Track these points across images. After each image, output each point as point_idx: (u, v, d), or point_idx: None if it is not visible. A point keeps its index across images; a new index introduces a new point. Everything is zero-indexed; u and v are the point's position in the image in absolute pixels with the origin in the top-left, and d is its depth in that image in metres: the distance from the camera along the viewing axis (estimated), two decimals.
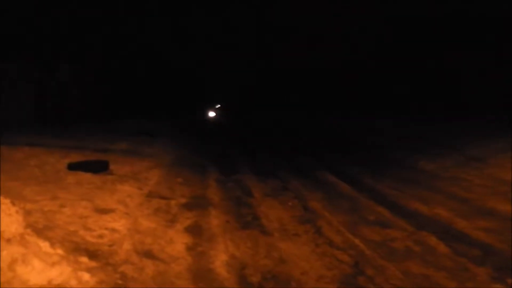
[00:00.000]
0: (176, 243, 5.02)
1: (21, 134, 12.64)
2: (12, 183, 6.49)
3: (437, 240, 5.21)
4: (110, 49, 23.02)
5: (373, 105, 25.11)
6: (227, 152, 14.86)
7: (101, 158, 9.28)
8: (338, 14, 25.68)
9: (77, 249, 4.13)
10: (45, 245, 3.60)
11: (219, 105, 52.50)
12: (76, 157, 9.22)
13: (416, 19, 20.31)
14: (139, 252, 4.48)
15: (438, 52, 19.99)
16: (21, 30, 17.12)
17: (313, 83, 32.82)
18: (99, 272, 3.70)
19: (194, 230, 5.57)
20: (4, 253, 3.17)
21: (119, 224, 5.16)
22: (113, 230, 4.92)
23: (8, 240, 3.31)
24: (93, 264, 3.84)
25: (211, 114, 50.06)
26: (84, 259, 3.84)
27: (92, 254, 4.09)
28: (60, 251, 3.66)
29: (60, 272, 3.32)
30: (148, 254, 4.49)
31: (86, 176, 7.51)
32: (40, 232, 4.14)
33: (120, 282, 3.72)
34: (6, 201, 3.61)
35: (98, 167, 8.19)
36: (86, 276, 3.47)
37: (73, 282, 3.32)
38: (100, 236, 4.65)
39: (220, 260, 4.58)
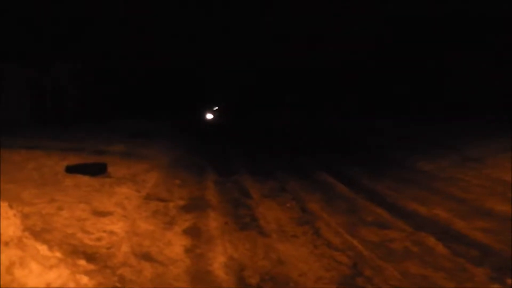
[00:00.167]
0: (175, 245, 5.02)
1: (19, 136, 12.62)
2: (10, 185, 6.48)
3: (435, 241, 5.22)
4: (109, 49, 23.00)
5: (372, 105, 25.14)
6: (226, 153, 14.86)
7: (98, 161, 9.26)
8: (338, 14, 25.72)
9: (75, 251, 4.12)
10: (43, 248, 3.58)
11: (218, 106, 52.44)
12: (73, 160, 9.21)
13: (416, 19, 20.34)
14: (137, 254, 4.47)
15: (438, 52, 20.01)
16: (19, 30, 17.11)
17: (313, 83, 32.82)
18: (97, 275, 3.69)
19: (193, 232, 5.56)
20: (2, 256, 3.16)
21: (117, 226, 5.14)
22: (111, 232, 4.91)
23: (6, 243, 3.29)
24: (91, 266, 3.83)
25: (210, 114, 50.02)
26: (82, 262, 3.83)
27: (90, 257, 4.08)
28: (58, 254, 3.65)
29: (58, 275, 3.31)
30: (146, 257, 4.48)
31: (84, 179, 7.49)
32: (38, 235, 4.13)
33: (118, 284, 3.71)
34: (3, 204, 3.59)
35: (96, 170, 8.18)
36: (84, 279, 3.46)
37: (71, 285, 3.31)
38: (98, 239, 4.64)
39: (218, 262, 4.57)
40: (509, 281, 4.18)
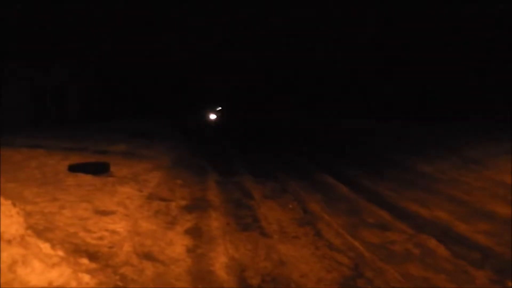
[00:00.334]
0: (176, 245, 5.03)
1: (20, 135, 12.66)
2: (13, 184, 6.51)
3: (437, 243, 5.22)
4: (110, 49, 23.01)
5: (372, 106, 25.11)
6: (227, 153, 14.88)
7: (100, 160, 9.29)
8: (339, 14, 25.73)
9: (77, 250, 4.14)
10: (45, 247, 3.60)
11: (220, 106, 52.42)
12: (75, 159, 9.23)
13: (416, 19, 20.31)
14: (139, 254, 4.48)
15: (438, 53, 19.97)
16: (20, 31, 17.13)
17: (314, 84, 32.81)
18: (99, 274, 3.70)
19: (194, 232, 5.57)
20: (4, 254, 3.18)
21: (119, 226, 5.16)
22: (113, 232, 4.92)
23: (9, 242, 3.31)
24: (93, 265, 3.84)
25: (213, 115, 49.99)
26: (84, 261, 3.85)
27: (92, 256, 4.10)
28: (60, 253, 3.67)
29: (60, 274, 3.32)
30: (148, 256, 4.50)
31: (86, 178, 7.52)
32: (41, 233, 4.15)
33: (120, 283, 3.72)
34: (6, 203, 3.62)
35: (99, 169, 8.20)
36: (86, 278, 3.47)
37: (73, 284, 3.33)
38: (100, 238, 4.66)
39: (219, 262, 4.58)
40: (510, 283, 4.19)
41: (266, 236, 5.63)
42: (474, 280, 4.30)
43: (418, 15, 20.21)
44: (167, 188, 8.02)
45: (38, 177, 7.44)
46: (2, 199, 3.59)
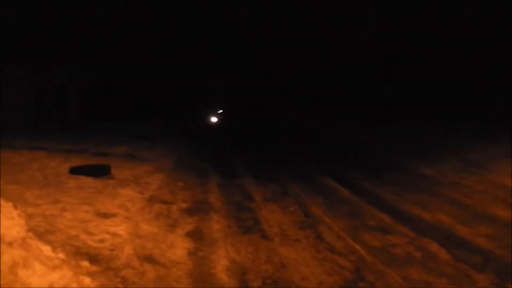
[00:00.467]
0: (177, 247, 5.02)
1: (21, 137, 12.67)
2: (14, 186, 6.52)
3: (438, 247, 5.21)
4: (109, 50, 23.03)
5: (372, 107, 25.07)
6: (228, 155, 14.88)
7: (101, 162, 9.30)
8: (339, 14, 25.76)
9: (78, 253, 4.14)
10: (46, 249, 3.60)
11: (220, 108, 52.43)
12: (76, 161, 9.24)
13: (416, 19, 20.30)
14: (140, 256, 4.48)
15: (438, 53, 19.94)
16: (20, 31, 17.15)
17: (313, 85, 32.78)
18: (100, 276, 3.70)
19: (195, 235, 5.57)
20: (5, 256, 3.17)
21: (120, 228, 5.16)
22: (114, 234, 4.92)
23: (10, 244, 3.31)
24: (94, 268, 3.84)
25: (214, 117, 49.98)
26: (85, 263, 3.85)
27: (93, 258, 4.10)
28: (61, 255, 3.67)
29: (61, 276, 3.32)
30: (149, 259, 4.49)
31: (88, 180, 7.52)
32: (42, 235, 4.15)
33: (121, 286, 3.72)
34: (8, 205, 3.62)
35: (100, 171, 8.21)
36: (87, 280, 3.47)
37: (74, 286, 3.32)
38: (101, 241, 4.66)
39: (221, 265, 4.58)
40: (511, 286, 4.18)
41: (267, 239, 5.62)
42: (476, 283, 4.29)
43: (418, 15, 20.18)
44: (168, 190, 8.02)
45: (39, 179, 7.45)
46: (3, 201, 3.60)
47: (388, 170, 11.04)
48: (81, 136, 14.24)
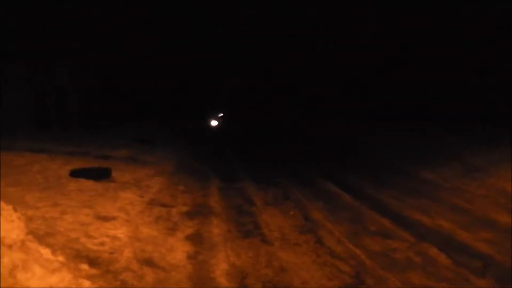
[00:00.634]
0: (177, 251, 5.02)
1: (21, 139, 12.66)
2: (14, 189, 6.51)
3: (438, 251, 5.20)
4: (109, 50, 23.04)
5: (372, 107, 25.04)
6: (229, 160, 14.87)
7: (102, 165, 9.28)
8: (339, 15, 25.78)
9: (78, 256, 4.14)
10: (46, 252, 3.60)
11: (221, 110, 52.41)
12: (77, 164, 9.23)
13: (416, 19, 20.29)
14: (139, 260, 4.48)
15: (438, 53, 19.91)
16: (20, 31, 17.18)
17: (313, 85, 32.77)
18: (99, 280, 3.70)
19: (195, 239, 5.56)
20: (5, 259, 3.17)
21: (120, 231, 5.16)
22: (114, 237, 4.92)
23: (9, 246, 3.31)
24: (93, 271, 3.84)
25: (214, 120, 49.97)
26: (84, 266, 3.85)
27: (93, 261, 4.09)
28: (61, 258, 3.67)
29: (60, 279, 3.32)
30: (149, 262, 4.49)
31: (88, 183, 7.52)
32: (41, 238, 4.15)
33: None
34: (7, 207, 3.62)
35: (101, 174, 8.20)
36: (86, 283, 3.47)
37: None
38: (101, 244, 4.65)
39: (220, 269, 4.57)
40: None
41: (267, 243, 5.62)
42: None
43: (418, 15, 20.17)
44: (169, 194, 8.02)
45: (40, 181, 7.44)
46: (3, 203, 3.60)
47: (389, 173, 11.03)
48: (82, 138, 14.24)
